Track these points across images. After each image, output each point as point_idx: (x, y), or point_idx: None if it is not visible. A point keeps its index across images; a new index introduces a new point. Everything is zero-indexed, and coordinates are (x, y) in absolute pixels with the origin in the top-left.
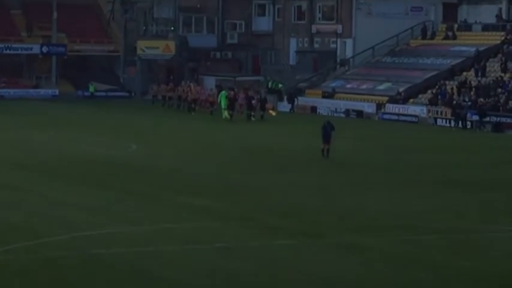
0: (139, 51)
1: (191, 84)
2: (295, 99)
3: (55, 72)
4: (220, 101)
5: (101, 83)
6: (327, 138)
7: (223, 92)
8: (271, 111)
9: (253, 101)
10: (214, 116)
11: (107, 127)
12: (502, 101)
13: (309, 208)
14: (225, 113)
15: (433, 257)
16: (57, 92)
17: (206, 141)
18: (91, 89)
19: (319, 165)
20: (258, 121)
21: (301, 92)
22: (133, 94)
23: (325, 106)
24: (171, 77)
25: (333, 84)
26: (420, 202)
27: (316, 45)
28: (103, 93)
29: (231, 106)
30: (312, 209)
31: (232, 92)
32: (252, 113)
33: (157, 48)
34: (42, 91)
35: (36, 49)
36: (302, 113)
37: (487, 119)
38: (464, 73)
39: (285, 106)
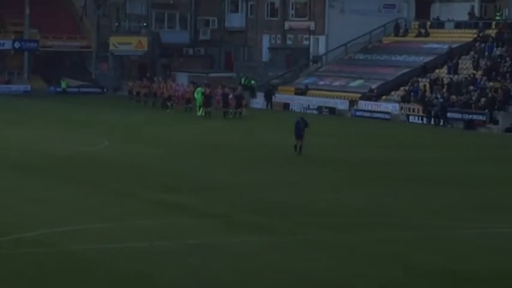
0: (111, 47)
1: (167, 80)
2: (272, 97)
3: (27, 68)
4: (196, 98)
5: (73, 78)
6: (299, 134)
7: (199, 88)
8: (244, 110)
9: (229, 98)
10: (189, 112)
11: (79, 123)
12: (474, 98)
13: (282, 205)
14: (201, 110)
15: (406, 253)
16: (29, 87)
17: (179, 137)
18: (63, 84)
19: (293, 162)
20: (234, 118)
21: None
22: (105, 90)
23: (297, 103)
24: (148, 74)
25: (306, 81)
26: (393, 199)
27: (289, 42)
28: (75, 89)
29: (207, 103)
30: (285, 205)
31: (208, 89)
32: (230, 110)
33: (129, 44)
34: (14, 87)
35: (8, 45)
36: (275, 110)
37: (460, 116)
38: (437, 70)
39: (258, 103)
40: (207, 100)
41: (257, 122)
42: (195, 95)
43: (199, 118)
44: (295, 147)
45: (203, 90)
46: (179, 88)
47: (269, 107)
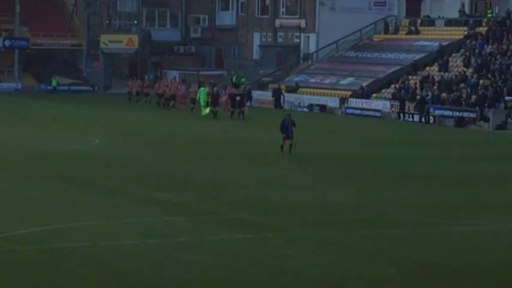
0: (102, 45)
1: (170, 79)
2: (282, 96)
3: (18, 66)
4: (199, 98)
5: (63, 77)
6: (287, 133)
7: (203, 88)
8: (247, 108)
9: (237, 98)
10: (186, 111)
11: (70, 121)
12: (464, 96)
13: (271, 202)
14: (206, 110)
15: (394, 250)
16: (19, 86)
17: (171, 136)
18: (54, 83)
19: (282, 159)
20: (236, 118)
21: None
22: (96, 88)
23: (288, 100)
24: (146, 73)
25: (297, 79)
26: (382, 196)
27: (279, 40)
28: (66, 87)
29: (214, 102)
30: (274, 203)
31: (215, 88)
32: (237, 110)
33: (120, 42)
34: (4, 85)
35: None
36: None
37: (451, 113)
38: (427, 68)
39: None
40: (215, 99)
41: (260, 121)
42: (198, 95)
43: (201, 118)
44: (282, 147)
45: (208, 89)
46: (181, 87)
47: (278, 106)
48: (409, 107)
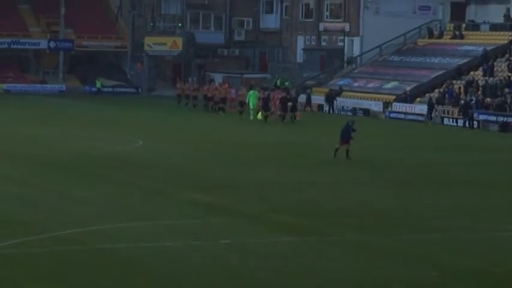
0: (146, 48)
1: (218, 82)
2: (334, 100)
3: (62, 68)
4: (248, 101)
5: (108, 78)
6: (345, 138)
7: (252, 91)
8: (299, 113)
9: (289, 103)
10: (234, 115)
11: (114, 123)
12: (508, 101)
13: (314, 205)
14: (257, 115)
15: (437, 255)
16: (64, 87)
17: (215, 138)
18: (98, 84)
19: (327, 163)
20: (288, 122)
21: (339, 94)
22: (140, 90)
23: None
24: (196, 76)
25: (340, 83)
26: (425, 200)
27: (323, 43)
28: (110, 89)
29: (265, 106)
30: (317, 206)
31: (266, 92)
32: (289, 115)
33: (164, 45)
34: (49, 86)
35: (43, 44)
36: (338, 115)
37: (495, 118)
38: (472, 73)
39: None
40: (266, 104)
41: (310, 125)
42: (248, 99)
43: (250, 121)
44: (336, 150)
45: (258, 93)
46: (231, 90)
47: (331, 111)
48: (452, 111)
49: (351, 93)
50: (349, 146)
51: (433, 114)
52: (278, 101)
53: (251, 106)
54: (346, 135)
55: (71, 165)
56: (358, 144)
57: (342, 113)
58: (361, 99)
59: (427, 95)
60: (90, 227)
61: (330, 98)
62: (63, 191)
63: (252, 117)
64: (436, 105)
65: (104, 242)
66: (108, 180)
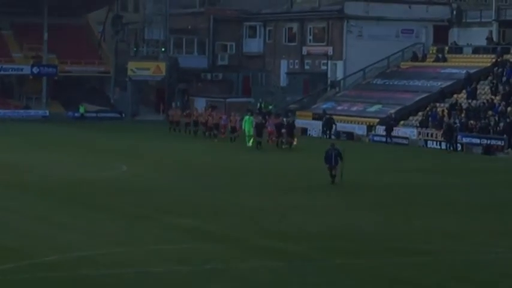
0: (129, 72)
1: (210, 108)
2: (334, 125)
3: (45, 93)
4: (244, 127)
5: (91, 103)
6: (330, 163)
7: (248, 117)
8: (296, 139)
9: (282, 130)
10: (234, 142)
11: (97, 148)
12: (492, 123)
13: (299, 229)
14: (251, 141)
15: (423, 279)
16: (47, 112)
17: (198, 163)
18: (81, 109)
19: (311, 187)
20: (284, 148)
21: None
22: (123, 115)
23: (316, 128)
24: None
25: (324, 106)
26: (410, 224)
27: (306, 67)
28: (93, 114)
29: (259, 132)
30: (302, 230)
31: (260, 118)
32: (282, 140)
33: (147, 70)
34: (32, 112)
35: (26, 70)
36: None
37: (479, 141)
38: (455, 95)
39: (314, 131)
40: (259, 130)
41: (303, 151)
42: (243, 124)
43: (244, 147)
44: (332, 176)
45: (253, 119)
46: (223, 117)
47: (327, 136)
48: (436, 134)
49: (334, 117)
50: (336, 171)
51: (418, 137)
52: (273, 127)
53: (246, 132)
54: (329, 161)
55: (53, 190)
56: (344, 168)
57: (324, 136)
58: (345, 122)
59: (410, 117)
60: (72, 253)
61: (329, 123)
62: (45, 216)
63: (248, 144)
64: (420, 128)
65: (87, 268)
66: (91, 205)
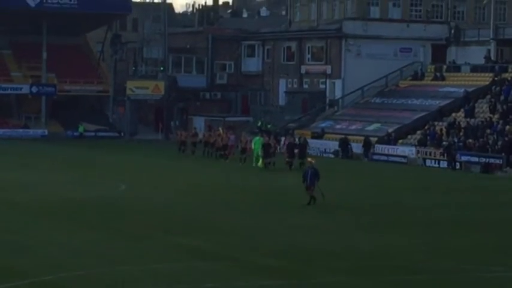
0: (128, 92)
1: (220, 129)
2: (349, 145)
3: (44, 112)
4: (254, 148)
5: (90, 123)
6: (306, 184)
7: (258, 138)
8: (310, 159)
9: (295, 150)
10: (243, 163)
11: (96, 167)
12: (490, 141)
13: (299, 248)
14: (259, 161)
15: None
16: (46, 132)
17: (198, 181)
18: (80, 129)
19: (310, 206)
20: (297, 169)
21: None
22: (122, 134)
23: (314, 147)
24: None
25: (323, 125)
26: (409, 242)
27: (305, 86)
28: (92, 134)
29: (267, 153)
30: (302, 249)
31: (268, 138)
32: (297, 161)
33: (146, 89)
34: (31, 131)
35: (25, 89)
36: (351, 160)
37: (477, 159)
38: (453, 114)
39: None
40: (267, 150)
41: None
42: (253, 145)
43: (252, 168)
44: (310, 197)
45: (263, 139)
46: (231, 137)
47: (343, 156)
48: (435, 153)
49: (333, 136)
50: (313, 193)
51: (417, 156)
52: (285, 147)
53: (255, 153)
54: (306, 181)
55: (52, 210)
56: (341, 187)
57: (324, 155)
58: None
59: (409, 136)
60: (71, 272)
61: (344, 143)
62: (44, 235)
63: (259, 165)
64: (418, 147)
65: (86, 287)
66: (90, 224)
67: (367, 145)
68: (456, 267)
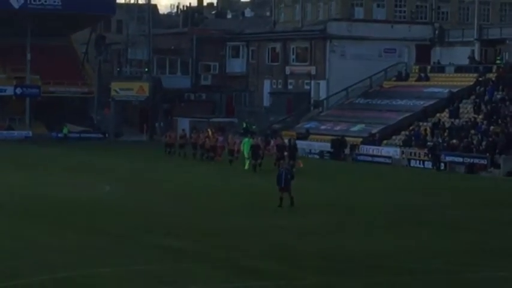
0: (113, 93)
1: (208, 130)
2: (345, 149)
3: (29, 114)
4: (243, 149)
5: (74, 124)
6: (280, 185)
7: (247, 139)
8: (300, 162)
9: (285, 152)
10: (221, 164)
11: (80, 169)
12: (475, 142)
13: (284, 250)
14: (247, 164)
15: None
16: (30, 133)
17: (183, 183)
18: (65, 130)
19: (296, 207)
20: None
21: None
22: (107, 135)
23: (299, 147)
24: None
25: (307, 126)
26: (394, 243)
27: (290, 87)
28: (76, 135)
29: (255, 155)
30: (287, 250)
31: (257, 140)
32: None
33: (131, 90)
34: (15, 133)
35: (9, 90)
36: (346, 163)
37: (462, 160)
38: (438, 114)
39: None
40: (255, 152)
41: (304, 173)
42: (242, 146)
43: (242, 170)
44: (281, 199)
45: (252, 141)
46: (220, 138)
47: (335, 157)
48: (419, 153)
49: (318, 136)
50: (290, 194)
51: (402, 157)
52: (274, 148)
53: (245, 155)
54: (280, 182)
55: (37, 211)
56: (327, 187)
57: (309, 156)
58: (328, 142)
59: (393, 136)
60: (57, 274)
61: (337, 144)
62: (29, 237)
63: (246, 167)
64: (403, 148)
65: None
66: (75, 226)
67: (342, 145)
68: (442, 268)
